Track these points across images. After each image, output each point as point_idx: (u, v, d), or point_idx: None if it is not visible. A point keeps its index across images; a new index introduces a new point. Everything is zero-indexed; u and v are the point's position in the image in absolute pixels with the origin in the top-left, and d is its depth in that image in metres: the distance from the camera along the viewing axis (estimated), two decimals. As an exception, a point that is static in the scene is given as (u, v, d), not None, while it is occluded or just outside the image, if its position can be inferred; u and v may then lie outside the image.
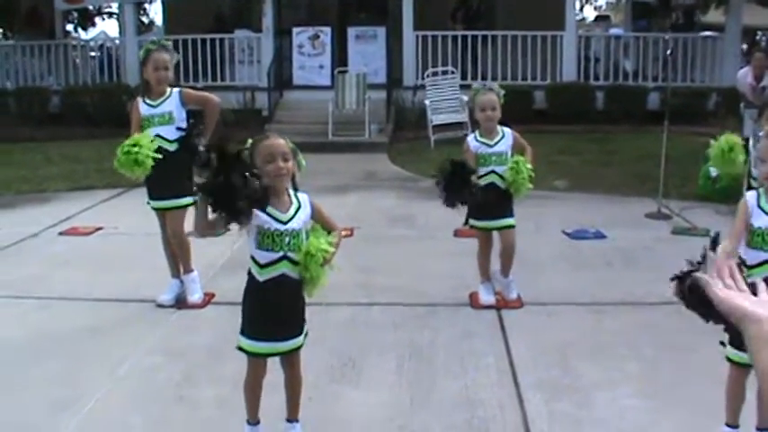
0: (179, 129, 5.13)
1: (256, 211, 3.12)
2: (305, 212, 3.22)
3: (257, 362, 3.31)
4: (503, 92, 5.07)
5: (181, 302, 5.29)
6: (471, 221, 5.22)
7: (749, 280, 1.51)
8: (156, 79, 5.09)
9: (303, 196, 3.27)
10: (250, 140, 3.20)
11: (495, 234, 5.23)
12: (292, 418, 3.44)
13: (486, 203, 5.07)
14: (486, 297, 5.22)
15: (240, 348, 3.29)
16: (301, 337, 3.32)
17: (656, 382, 4.09)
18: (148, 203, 5.31)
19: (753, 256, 3.19)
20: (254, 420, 3.40)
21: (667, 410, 3.75)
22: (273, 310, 3.23)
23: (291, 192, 3.24)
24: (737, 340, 3.14)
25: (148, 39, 16.05)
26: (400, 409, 3.81)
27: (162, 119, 5.10)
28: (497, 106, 5.00)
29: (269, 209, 3.15)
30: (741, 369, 3.19)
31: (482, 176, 5.07)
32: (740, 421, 3.33)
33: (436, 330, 4.81)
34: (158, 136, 5.07)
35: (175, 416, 3.79)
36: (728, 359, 3.24)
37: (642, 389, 3.99)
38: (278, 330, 3.26)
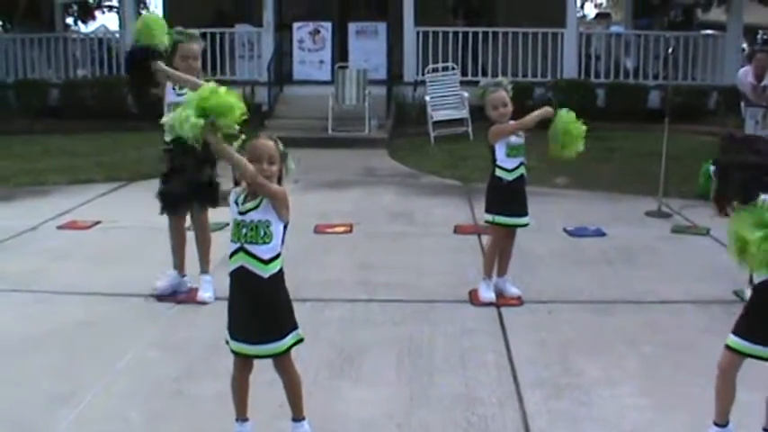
0: None
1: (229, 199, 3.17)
2: (267, 204, 3.13)
3: (239, 359, 3.29)
4: (510, 85, 5.07)
5: (186, 296, 5.30)
6: (498, 218, 5.13)
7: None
8: (185, 69, 5.07)
9: None
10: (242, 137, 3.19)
11: None
12: (297, 417, 3.38)
13: (518, 198, 5.07)
14: (487, 294, 5.20)
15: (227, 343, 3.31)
16: (283, 342, 3.20)
17: (656, 380, 4.08)
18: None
19: None
20: (242, 417, 3.37)
21: (667, 409, 3.74)
22: (237, 306, 3.21)
23: None
24: (743, 327, 3.13)
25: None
26: (399, 405, 3.80)
27: None
28: (508, 101, 5.01)
29: (237, 197, 3.16)
30: (735, 359, 3.15)
31: (514, 169, 5.06)
32: (746, 423, 3.32)
33: (436, 327, 4.80)
34: None
35: (174, 410, 3.78)
36: (727, 346, 3.17)
37: (642, 387, 3.98)
38: (249, 333, 3.18)
